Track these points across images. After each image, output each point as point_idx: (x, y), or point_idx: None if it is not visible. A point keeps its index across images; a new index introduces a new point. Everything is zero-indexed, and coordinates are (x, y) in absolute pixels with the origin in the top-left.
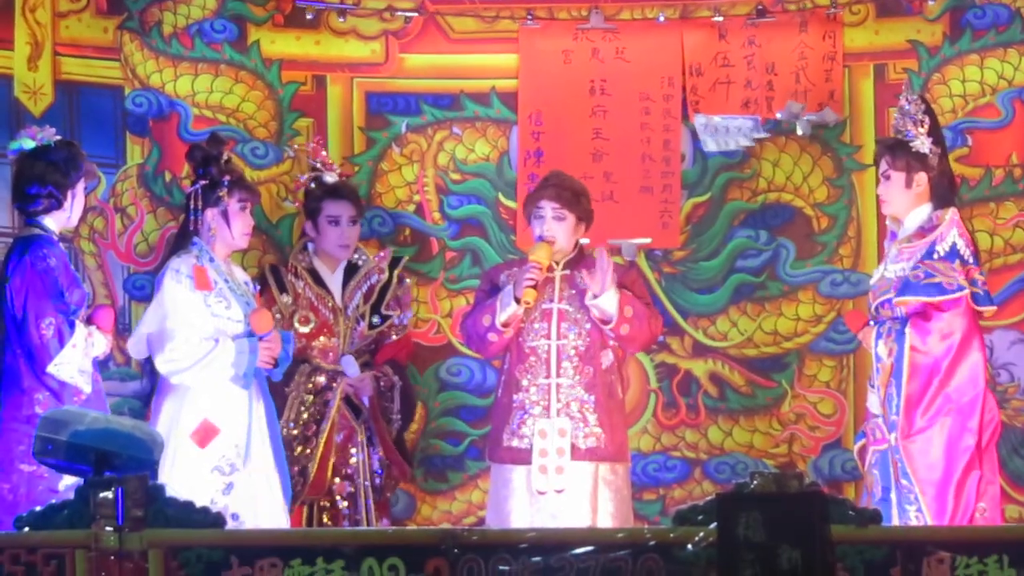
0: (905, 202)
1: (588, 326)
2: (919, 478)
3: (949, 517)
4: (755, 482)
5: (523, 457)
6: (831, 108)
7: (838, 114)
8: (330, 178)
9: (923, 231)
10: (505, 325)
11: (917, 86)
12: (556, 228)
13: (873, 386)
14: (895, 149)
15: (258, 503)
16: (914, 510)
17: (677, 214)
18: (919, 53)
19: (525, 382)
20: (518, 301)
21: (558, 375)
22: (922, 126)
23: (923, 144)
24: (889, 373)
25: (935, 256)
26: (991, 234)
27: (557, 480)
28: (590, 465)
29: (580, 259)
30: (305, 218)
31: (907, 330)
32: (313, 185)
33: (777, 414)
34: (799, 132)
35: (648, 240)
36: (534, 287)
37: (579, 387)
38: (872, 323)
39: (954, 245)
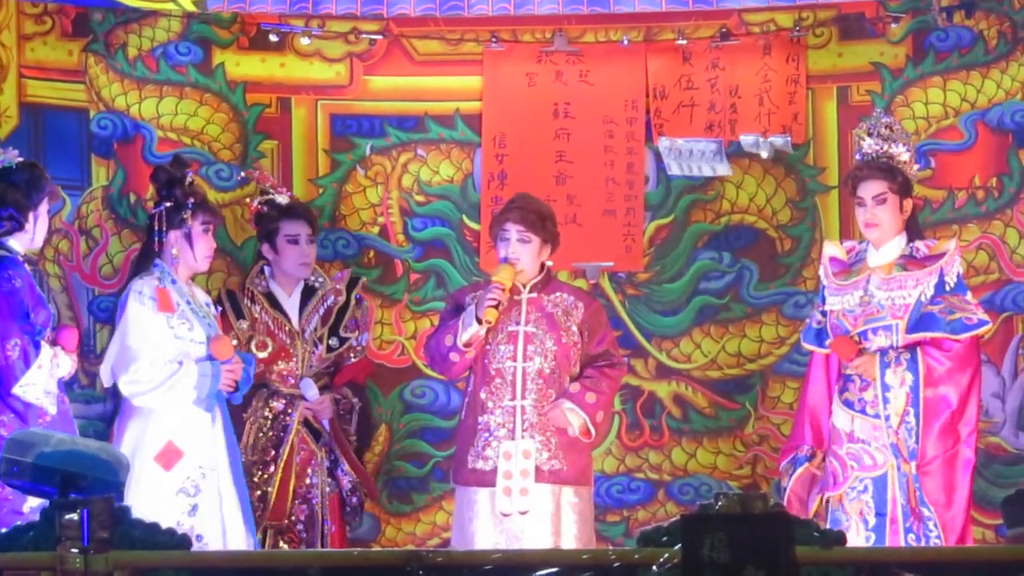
0: (895, 226)
1: (554, 349)
2: (937, 505)
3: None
4: (720, 503)
5: (487, 479)
6: (792, 134)
7: (798, 139)
8: (282, 199)
9: (918, 260)
10: (467, 345)
11: (880, 108)
12: (521, 250)
13: (863, 412)
14: (894, 172)
15: (222, 525)
16: (935, 536)
17: (640, 236)
18: (882, 75)
19: (490, 404)
20: (480, 321)
21: (523, 397)
22: (911, 151)
23: (913, 170)
24: (905, 402)
25: (947, 288)
26: None
27: (521, 502)
28: (554, 488)
29: (547, 282)
30: (260, 241)
31: (922, 360)
32: (266, 208)
33: (741, 436)
34: (763, 155)
35: (610, 264)
36: (495, 307)
37: (537, 410)
38: (872, 351)
39: (959, 276)
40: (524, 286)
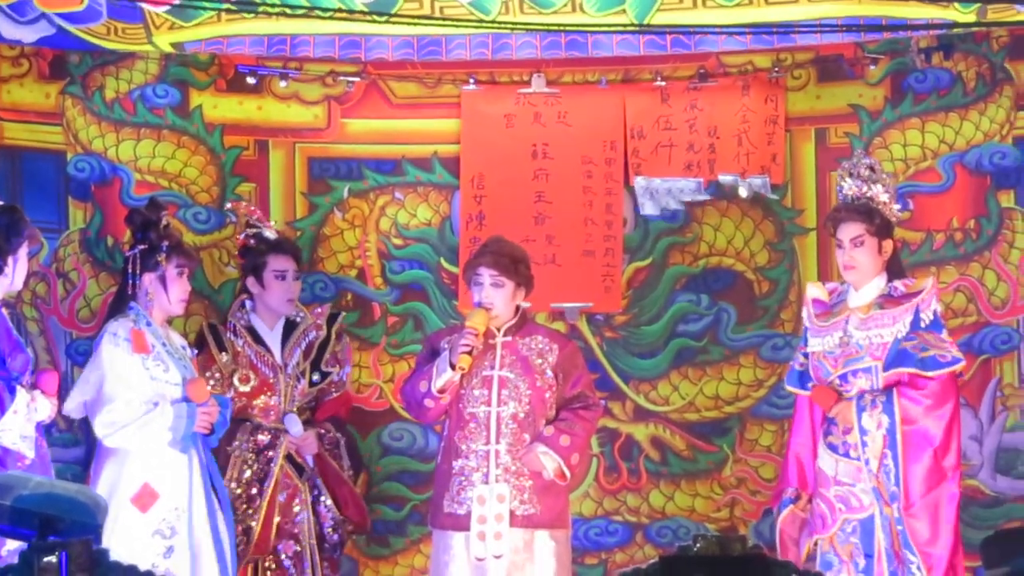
0: (873, 268)
1: (529, 393)
2: (922, 549)
3: None
4: (698, 545)
5: (462, 523)
6: (770, 175)
7: (777, 180)
8: (270, 234)
9: (895, 299)
10: (441, 391)
11: (859, 150)
12: (494, 295)
13: (846, 456)
14: (872, 214)
15: (197, 567)
16: None
17: (619, 278)
18: (860, 117)
19: (464, 447)
20: (453, 367)
21: (497, 441)
22: (891, 192)
23: (895, 212)
24: (883, 445)
25: (922, 325)
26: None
27: (495, 546)
28: (527, 532)
29: (522, 325)
30: (245, 274)
31: (897, 401)
32: (253, 242)
33: (719, 478)
34: (742, 195)
35: (590, 304)
36: (469, 353)
37: (512, 454)
38: (849, 397)
39: (935, 313)
40: (499, 330)
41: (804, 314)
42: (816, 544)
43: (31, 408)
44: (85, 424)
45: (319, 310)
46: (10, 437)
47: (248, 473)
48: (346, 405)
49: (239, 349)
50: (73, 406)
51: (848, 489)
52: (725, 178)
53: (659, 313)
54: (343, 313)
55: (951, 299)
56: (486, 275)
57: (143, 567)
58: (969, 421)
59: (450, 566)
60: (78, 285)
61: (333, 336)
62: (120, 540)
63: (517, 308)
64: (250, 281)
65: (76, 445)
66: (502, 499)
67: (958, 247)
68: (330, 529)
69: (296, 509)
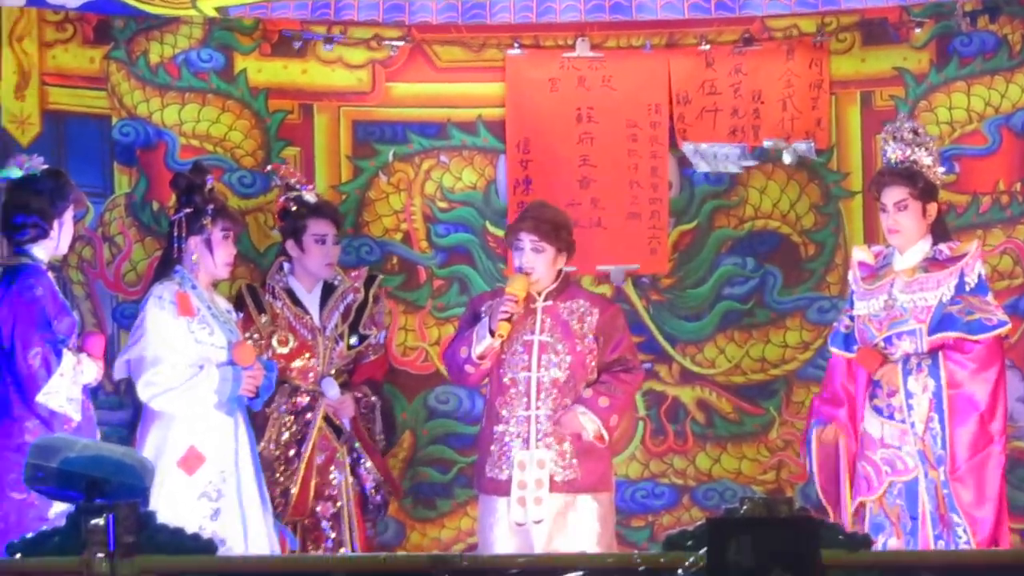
0: (918, 232)
1: (569, 358)
2: (967, 512)
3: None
4: (745, 507)
5: (503, 488)
6: (815, 140)
7: (822, 144)
8: (310, 197)
9: (939, 262)
10: (481, 357)
11: (904, 113)
12: (534, 260)
13: (891, 418)
14: (915, 178)
15: (244, 529)
16: (963, 542)
17: (665, 240)
18: (905, 80)
19: (505, 413)
20: (493, 334)
21: (537, 407)
22: (934, 155)
23: (938, 174)
24: (928, 408)
25: (967, 288)
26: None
27: (536, 511)
28: (568, 496)
29: (563, 289)
30: (284, 237)
31: (943, 365)
32: (294, 205)
33: (765, 441)
34: (786, 161)
35: (636, 266)
36: (508, 320)
37: (552, 418)
38: (895, 360)
39: (980, 276)
40: (539, 294)
41: (850, 277)
42: (864, 506)
43: (77, 371)
44: (131, 387)
45: (356, 273)
46: (56, 400)
47: (286, 435)
48: (383, 368)
49: (278, 311)
50: (122, 369)
51: (894, 452)
52: (770, 143)
53: (705, 276)
54: (381, 276)
55: (997, 262)
56: (526, 240)
57: (189, 530)
58: (1016, 383)
59: (494, 529)
60: (124, 249)
61: (371, 299)
62: (166, 503)
63: (560, 273)
64: (289, 244)
65: (122, 408)
66: (542, 464)
67: (1004, 210)
68: (372, 490)
69: (332, 471)
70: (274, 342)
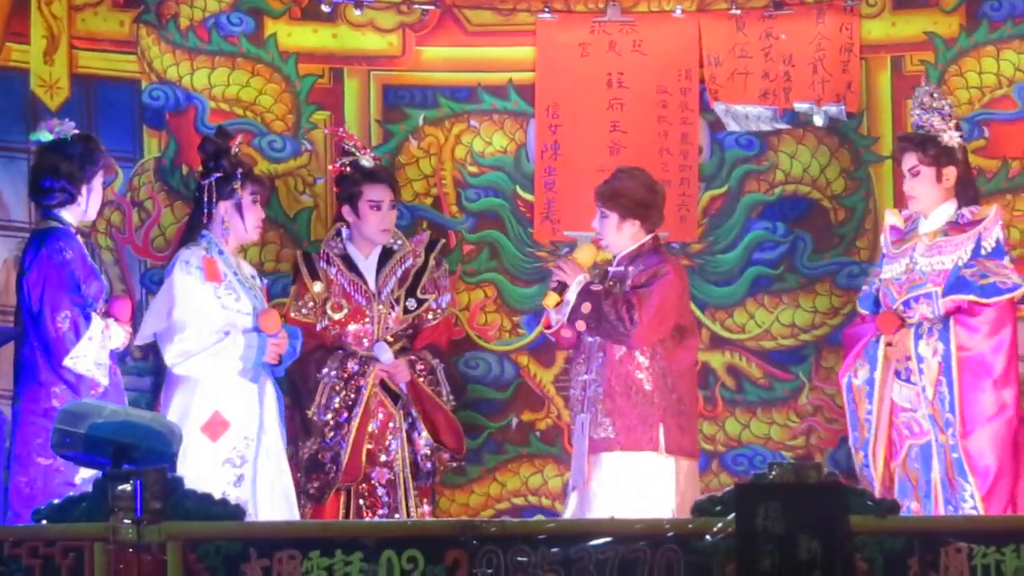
0: (935, 197)
1: None
2: (979, 477)
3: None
4: (774, 473)
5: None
6: (846, 103)
7: (852, 108)
8: (367, 161)
9: (959, 226)
10: (547, 327)
11: (934, 78)
12: (600, 226)
13: (907, 381)
14: (925, 144)
15: (268, 495)
16: (969, 507)
17: (695, 207)
18: (936, 45)
19: (573, 379)
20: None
21: (587, 371)
22: (950, 120)
23: (952, 138)
24: (938, 372)
25: (983, 252)
26: (1008, 226)
27: (579, 477)
28: (607, 456)
29: (637, 256)
30: (340, 202)
31: (953, 328)
32: (349, 170)
33: (795, 406)
34: (817, 123)
35: (666, 234)
36: (556, 291)
37: (598, 380)
38: (908, 322)
39: (999, 240)
40: (614, 259)
41: (882, 241)
42: (893, 470)
43: (105, 335)
44: (158, 353)
45: (418, 237)
46: (85, 364)
47: (337, 400)
48: (447, 333)
49: (332, 277)
50: (147, 333)
51: (911, 415)
52: (801, 106)
53: (735, 241)
54: (442, 240)
55: None
56: (597, 207)
57: (216, 496)
58: None
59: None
60: (153, 214)
61: (431, 263)
62: (190, 469)
63: (644, 241)
64: (345, 210)
65: (150, 374)
66: (585, 426)
67: None
68: (423, 457)
69: (389, 437)
70: (328, 308)
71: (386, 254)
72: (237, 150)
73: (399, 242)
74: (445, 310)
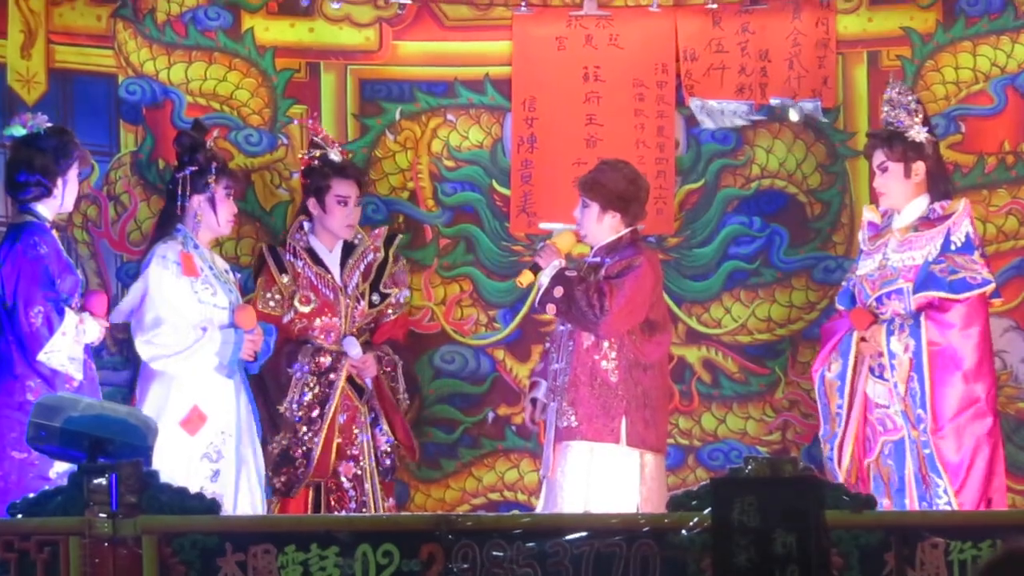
0: (904, 193)
1: None
2: (951, 473)
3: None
4: (750, 467)
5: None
6: (822, 99)
7: (828, 104)
8: (335, 156)
9: (930, 221)
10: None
11: (910, 73)
12: (580, 215)
13: (880, 378)
14: (891, 140)
15: (248, 490)
16: (943, 503)
17: (671, 200)
18: (912, 40)
19: (550, 368)
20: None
21: (558, 360)
22: (916, 115)
23: (919, 133)
24: (909, 368)
25: (952, 247)
26: (984, 221)
27: (545, 466)
28: (570, 445)
29: (614, 248)
30: (307, 195)
31: (923, 324)
32: (318, 163)
33: (771, 401)
34: (792, 119)
35: (642, 227)
36: (531, 269)
37: (566, 369)
38: (881, 319)
39: (968, 235)
40: (591, 250)
41: (859, 237)
42: (868, 467)
43: (80, 330)
44: (132, 347)
45: (376, 232)
46: (58, 359)
47: (309, 395)
48: (404, 328)
49: (299, 270)
50: (120, 318)
51: (884, 411)
52: (776, 101)
53: (711, 235)
54: (400, 235)
55: (1003, 222)
56: (580, 197)
57: (192, 491)
58: (1020, 344)
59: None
60: (129, 208)
61: (391, 257)
62: (167, 463)
63: (624, 233)
64: (311, 203)
65: (125, 368)
66: (551, 416)
67: (1009, 170)
68: (383, 453)
69: (356, 431)
70: (296, 301)
71: (348, 248)
72: (212, 144)
73: (359, 236)
74: (404, 305)
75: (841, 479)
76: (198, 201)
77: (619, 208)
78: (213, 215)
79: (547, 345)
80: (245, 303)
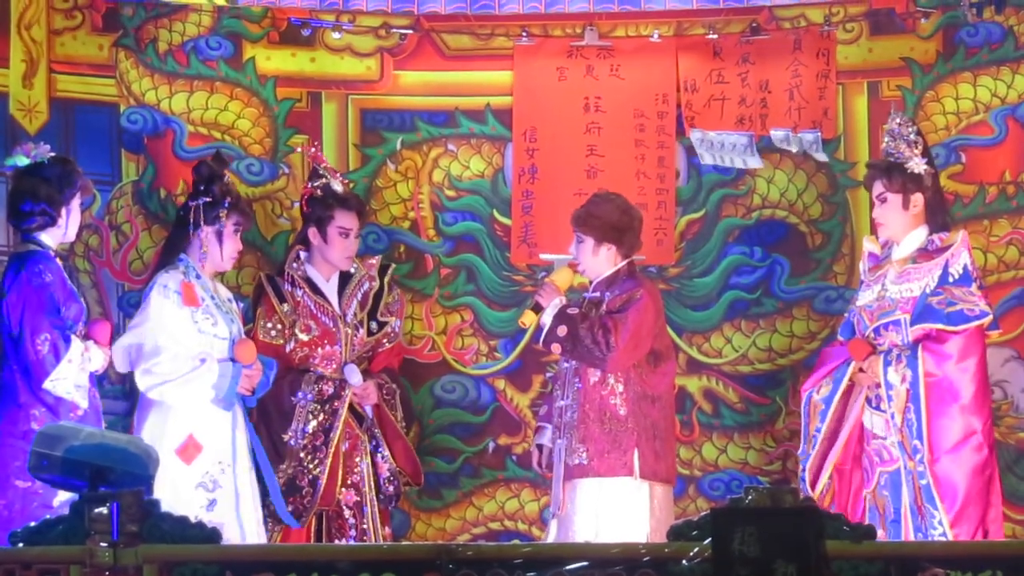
0: (903, 224)
1: None
2: (947, 504)
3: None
4: (750, 497)
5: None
6: (822, 130)
7: (829, 135)
8: (338, 186)
9: (928, 252)
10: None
11: (911, 103)
12: (576, 250)
13: (877, 408)
14: (891, 171)
15: (239, 520)
16: (939, 534)
17: (672, 231)
18: (912, 71)
19: (553, 404)
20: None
21: (563, 397)
22: (916, 147)
23: (918, 164)
24: (906, 399)
25: (950, 279)
26: (984, 252)
27: (556, 502)
28: (580, 482)
29: (613, 281)
30: (307, 224)
31: (920, 355)
32: (320, 193)
33: (771, 431)
34: (793, 150)
35: (642, 257)
36: (534, 310)
37: (573, 406)
38: (879, 350)
39: (966, 267)
40: (590, 284)
41: (860, 267)
42: (865, 498)
43: (85, 358)
44: (130, 376)
45: (371, 261)
46: (64, 386)
47: (313, 424)
48: (399, 356)
49: (299, 299)
50: (120, 357)
51: (881, 443)
52: (777, 133)
53: (712, 265)
54: (393, 264)
55: (1003, 252)
56: (575, 232)
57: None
58: (1020, 373)
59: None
60: (131, 237)
61: (386, 287)
62: (163, 492)
63: (622, 266)
64: (312, 232)
65: (126, 398)
66: (560, 453)
67: (1010, 200)
68: (385, 480)
69: (357, 459)
70: (296, 330)
71: (344, 277)
72: (228, 178)
73: (355, 266)
74: (399, 334)
75: (814, 497)
76: (207, 233)
77: (614, 240)
78: (219, 249)
79: (550, 381)
80: (245, 338)
